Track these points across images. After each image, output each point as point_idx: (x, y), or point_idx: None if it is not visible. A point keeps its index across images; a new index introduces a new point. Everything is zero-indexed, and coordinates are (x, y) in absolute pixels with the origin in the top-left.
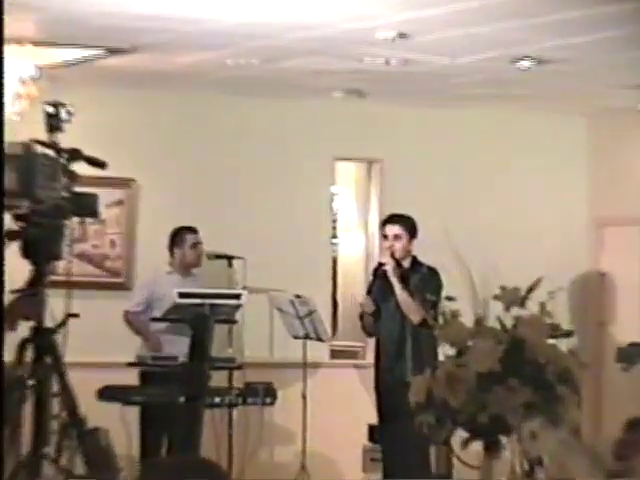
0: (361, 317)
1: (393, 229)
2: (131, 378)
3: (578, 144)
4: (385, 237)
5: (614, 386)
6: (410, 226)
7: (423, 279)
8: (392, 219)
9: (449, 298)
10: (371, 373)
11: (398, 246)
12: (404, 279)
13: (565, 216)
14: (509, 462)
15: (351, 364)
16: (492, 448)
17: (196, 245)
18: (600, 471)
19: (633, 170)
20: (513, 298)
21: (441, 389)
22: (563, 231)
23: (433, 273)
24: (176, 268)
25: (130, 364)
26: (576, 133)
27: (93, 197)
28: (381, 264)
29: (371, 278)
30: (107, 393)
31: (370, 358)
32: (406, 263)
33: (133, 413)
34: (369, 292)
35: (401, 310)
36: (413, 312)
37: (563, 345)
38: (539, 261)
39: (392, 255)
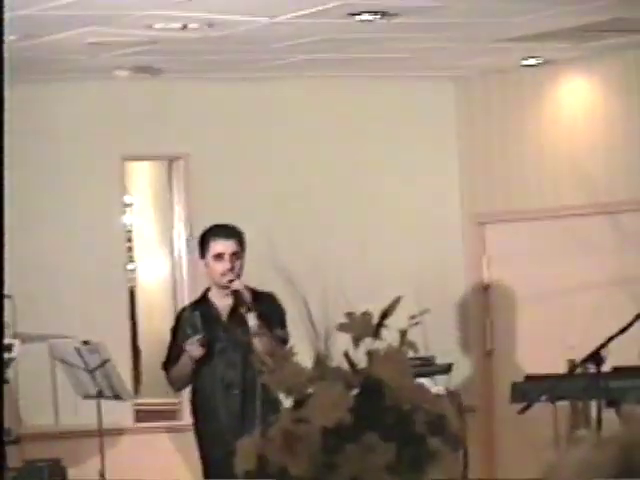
0: (165, 367)
1: (230, 245)
2: None
3: (445, 117)
4: (218, 257)
5: (509, 433)
6: (244, 241)
7: (269, 310)
8: (226, 232)
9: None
10: (191, 438)
11: (238, 267)
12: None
13: (433, 212)
14: None
15: (163, 427)
16: None
17: None
18: None
19: (519, 144)
20: (364, 327)
21: (277, 453)
22: (431, 232)
23: (275, 300)
24: None
25: None
26: (443, 103)
27: None
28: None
29: (180, 312)
30: None
31: (189, 417)
32: None
33: None
34: (174, 336)
35: (243, 349)
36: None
37: (441, 383)
38: (400, 275)
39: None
